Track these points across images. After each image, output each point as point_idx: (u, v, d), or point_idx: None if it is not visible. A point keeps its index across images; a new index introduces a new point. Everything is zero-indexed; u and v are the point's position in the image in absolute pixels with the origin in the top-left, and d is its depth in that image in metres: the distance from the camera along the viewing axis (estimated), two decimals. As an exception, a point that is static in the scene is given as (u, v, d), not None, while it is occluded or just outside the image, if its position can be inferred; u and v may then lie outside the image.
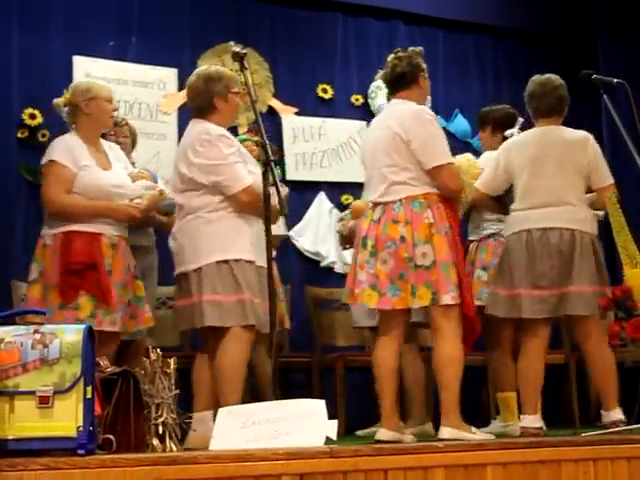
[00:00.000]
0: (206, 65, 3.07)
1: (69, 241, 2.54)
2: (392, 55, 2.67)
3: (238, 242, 2.50)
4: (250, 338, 2.50)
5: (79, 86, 2.77)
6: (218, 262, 2.47)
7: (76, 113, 2.68)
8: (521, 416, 2.75)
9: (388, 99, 2.74)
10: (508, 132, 3.06)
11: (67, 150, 2.61)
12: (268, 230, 2.25)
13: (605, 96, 2.80)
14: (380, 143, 2.58)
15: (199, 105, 2.62)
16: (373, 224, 2.53)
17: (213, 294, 2.46)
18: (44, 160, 2.63)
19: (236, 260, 2.48)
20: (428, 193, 2.52)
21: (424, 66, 2.66)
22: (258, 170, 2.44)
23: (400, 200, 2.50)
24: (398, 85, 2.62)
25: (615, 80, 2.82)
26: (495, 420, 3.24)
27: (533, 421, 2.69)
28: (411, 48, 2.67)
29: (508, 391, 3.04)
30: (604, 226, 2.93)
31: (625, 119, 2.76)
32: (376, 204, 2.56)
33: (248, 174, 2.52)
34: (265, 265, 2.28)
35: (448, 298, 2.46)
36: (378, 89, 4.47)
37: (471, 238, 3.25)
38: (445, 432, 2.45)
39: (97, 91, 2.69)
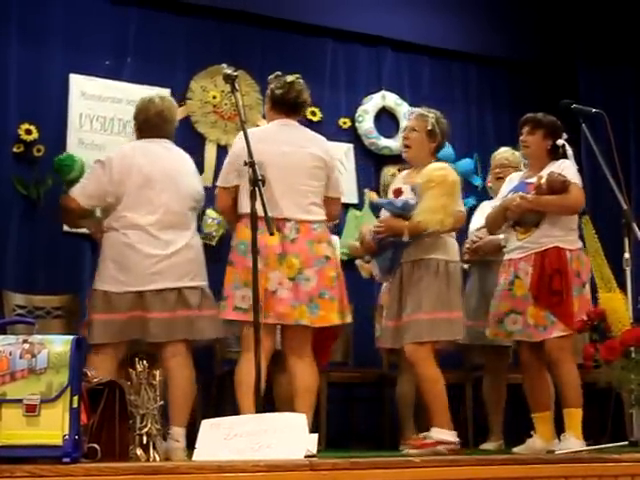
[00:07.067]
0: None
1: None
2: None
3: None
4: None
5: None
6: None
7: None
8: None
9: None
10: (560, 141, 3.04)
11: None
12: (254, 246, 2.33)
13: (584, 125, 2.87)
14: None
15: None
16: None
17: None
18: None
19: None
20: None
21: None
22: None
23: None
24: None
25: (594, 110, 2.90)
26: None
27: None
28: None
29: None
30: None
31: (603, 148, 2.85)
32: None
33: None
34: None
35: None
36: (365, 113, 4.57)
37: None
38: None
39: None
